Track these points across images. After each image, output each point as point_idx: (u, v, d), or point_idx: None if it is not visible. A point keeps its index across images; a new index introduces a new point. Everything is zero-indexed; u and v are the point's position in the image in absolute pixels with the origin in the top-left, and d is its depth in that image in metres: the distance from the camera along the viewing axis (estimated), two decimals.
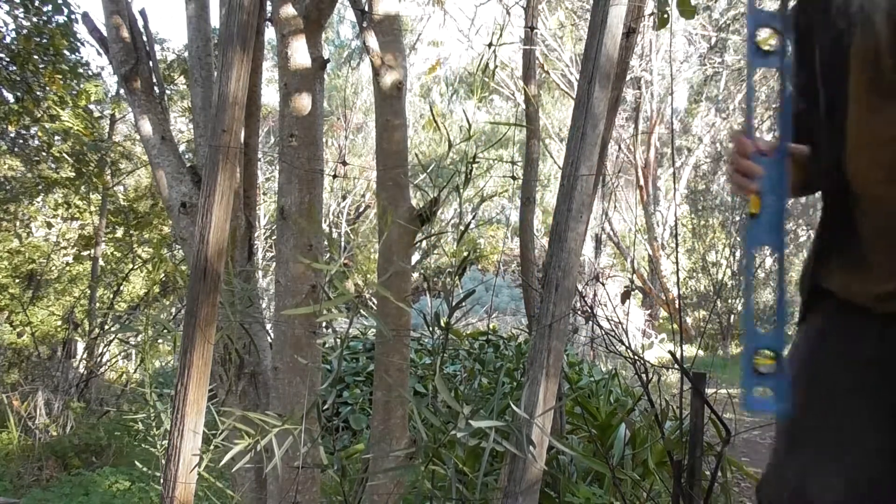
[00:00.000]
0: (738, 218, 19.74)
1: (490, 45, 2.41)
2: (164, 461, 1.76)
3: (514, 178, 3.44)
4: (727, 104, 20.39)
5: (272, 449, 1.81)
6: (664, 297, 19.98)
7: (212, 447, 1.98)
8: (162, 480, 1.75)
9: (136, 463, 3.93)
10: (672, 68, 18.14)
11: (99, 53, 11.51)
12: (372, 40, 2.49)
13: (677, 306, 18.04)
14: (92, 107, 8.43)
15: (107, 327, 8.88)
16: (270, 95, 18.16)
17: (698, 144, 20.85)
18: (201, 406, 1.72)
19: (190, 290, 1.70)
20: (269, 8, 2.98)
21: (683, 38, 18.57)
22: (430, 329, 2.28)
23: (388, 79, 2.52)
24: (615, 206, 20.14)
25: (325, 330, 2.53)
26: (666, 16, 2.83)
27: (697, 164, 21.32)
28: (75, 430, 6.90)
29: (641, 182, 19.76)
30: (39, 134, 7.92)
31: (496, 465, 3.72)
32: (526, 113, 4.40)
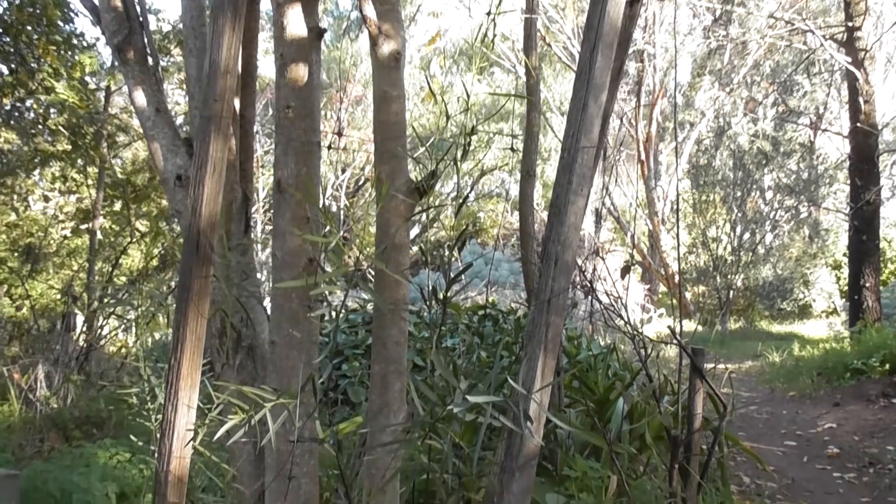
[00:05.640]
0: (739, 194, 19.69)
1: (489, 13, 2.36)
2: (158, 435, 1.75)
3: (513, 150, 3.40)
4: (731, 78, 20.24)
5: (269, 422, 1.80)
6: (664, 272, 19.99)
7: (207, 421, 1.97)
8: (156, 455, 1.74)
9: (133, 437, 3.93)
10: (676, 41, 17.99)
11: (93, 24, 11.36)
12: (369, 9, 2.45)
13: (677, 281, 18.06)
14: (87, 79, 8.35)
15: (106, 300, 8.88)
16: (268, 67, 18.01)
17: (701, 119, 20.73)
18: (195, 380, 1.70)
19: (182, 263, 1.68)
20: None
21: (688, 9, 18.38)
22: (429, 303, 2.26)
23: (386, 49, 2.47)
24: (616, 181, 20.08)
25: (321, 304, 2.50)
26: None
27: (700, 138, 21.22)
28: (76, 403, 6.91)
29: (643, 156, 19.68)
30: (34, 106, 7.85)
31: (494, 440, 3.72)
32: (526, 85, 4.35)
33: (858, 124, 12.16)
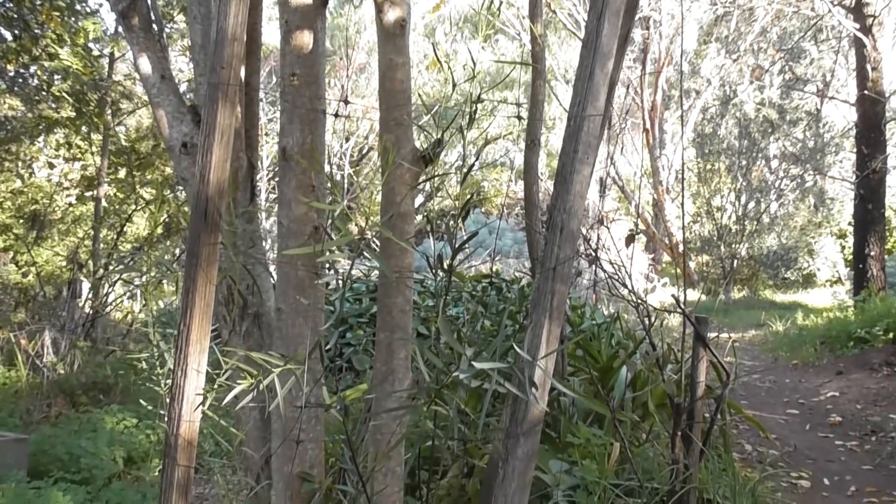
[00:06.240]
0: (744, 162, 19.59)
1: None
2: (168, 400, 1.77)
3: (519, 118, 3.39)
4: (737, 45, 20.01)
5: (276, 388, 1.82)
6: (668, 242, 19.97)
7: (216, 386, 1.99)
8: (166, 418, 1.76)
9: (142, 401, 3.98)
10: (682, 7, 17.78)
11: None
12: None
13: (681, 251, 18.05)
14: (91, 45, 8.30)
15: (111, 268, 8.92)
16: (273, 34, 17.86)
17: (707, 87, 20.55)
18: (204, 346, 1.72)
19: (191, 230, 1.69)
20: None
21: None
22: (434, 271, 2.27)
23: (391, 15, 2.46)
24: (621, 150, 19.98)
25: (327, 271, 2.51)
26: None
27: (705, 106, 21.05)
28: (82, 369, 6.98)
29: (647, 125, 19.56)
30: (38, 73, 7.82)
31: (498, 406, 3.76)
32: (532, 53, 4.32)
33: (866, 92, 12.06)
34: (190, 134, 2.99)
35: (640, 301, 3.66)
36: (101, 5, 9.65)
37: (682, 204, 4.28)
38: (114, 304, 9.36)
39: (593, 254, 4.29)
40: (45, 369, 6.81)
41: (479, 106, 2.30)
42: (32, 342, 7.15)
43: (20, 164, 10.18)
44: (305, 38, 2.51)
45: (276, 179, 2.85)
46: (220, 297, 2.90)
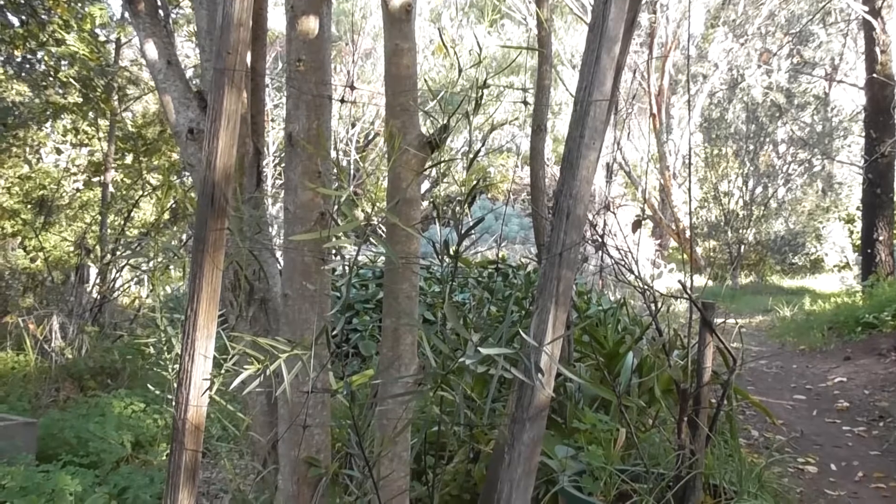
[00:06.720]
0: (751, 147, 19.49)
1: None
2: (175, 385, 1.78)
3: (525, 103, 3.37)
4: (745, 28, 19.86)
5: (283, 373, 1.83)
6: (675, 227, 19.92)
7: (223, 371, 2.00)
8: (174, 403, 1.77)
9: (150, 386, 4.00)
10: None
11: None
12: None
13: (688, 236, 17.99)
14: (97, 31, 8.30)
15: (118, 253, 8.95)
16: (278, 19, 17.79)
17: (714, 71, 20.41)
18: (211, 331, 1.72)
19: (198, 216, 1.69)
20: None
21: None
22: (440, 257, 2.27)
23: (397, 0, 2.44)
24: (628, 135, 19.89)
25: (333, 257, 2.52)
26: None
27: (712, 91, 20.92)
28: (90, 354, 7.02)
29: (654, 110, 19.45)
30: (45, 58, 7.82)
31: (504, 392, 3.77)
32: (538, 38, 4.29)
33: (874, 75, 11.98)
34: (196, 119, 3.00)
35: (646, 287, 3.65)
36: None
37: (689, 189, 4.26)
38: (121, 289, 9.39)
39: (599, 239, 4.28)
40: (54, 354, 6.85)
41: (485, 91, 2.29)
42: (41, 327, 7.19)
43: (28, 149, 10.20)
44: (311, 24, 2.50)
45: (283, 165, 2.85)
46: (226, 282, 2.91)
